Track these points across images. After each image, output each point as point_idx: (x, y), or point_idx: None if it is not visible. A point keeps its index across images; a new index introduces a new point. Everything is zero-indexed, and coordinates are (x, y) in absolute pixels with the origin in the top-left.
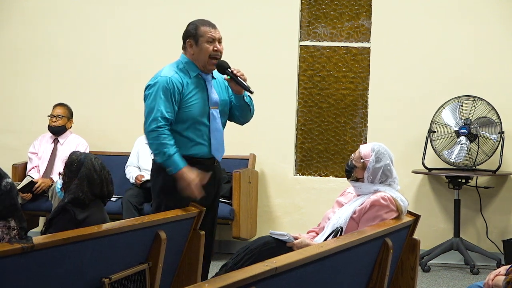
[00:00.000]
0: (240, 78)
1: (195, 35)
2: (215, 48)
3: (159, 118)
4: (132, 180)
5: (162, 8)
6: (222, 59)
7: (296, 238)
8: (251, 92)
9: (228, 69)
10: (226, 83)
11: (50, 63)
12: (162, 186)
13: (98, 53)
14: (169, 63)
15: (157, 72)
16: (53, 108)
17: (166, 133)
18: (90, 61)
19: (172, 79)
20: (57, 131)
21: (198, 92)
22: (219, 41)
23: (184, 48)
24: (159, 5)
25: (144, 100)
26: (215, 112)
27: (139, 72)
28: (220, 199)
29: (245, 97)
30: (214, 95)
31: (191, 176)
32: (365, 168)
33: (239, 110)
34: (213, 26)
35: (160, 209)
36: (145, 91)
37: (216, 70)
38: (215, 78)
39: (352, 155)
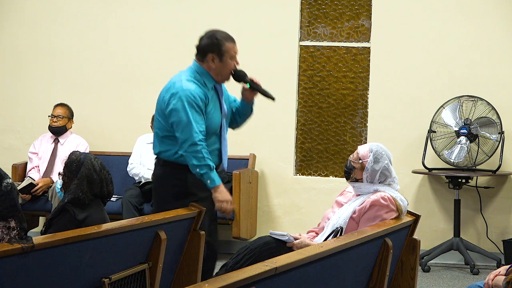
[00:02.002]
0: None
1: (220, 51)
2: (236, 63)
3: (199, 132)
4: (138, 178)
5: (162, 8)
6: None
7: (296, 238)
8: (273, 99)
9: (247, 78)
10: (227, 91)
11: (50, 63)
12: (176, 193)
13: (98, 53)
14: (183, 70)
15: (175, 79)
16: (53, 108)
17: (206, 148)
18: (90, 61)
19: (197, 92)
20: (57, 131)
21: (214, 103)
22: (236, 55)
23: (201, 59)
24: (159, 5)
25: (167, 107)
26: (224, 122)
27: (139, 72)
28: None
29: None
30: (225, 106)
31: (227, 194)
32: (363, 169)
33: (242, 116)
34: (234, 41)
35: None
36: (169, 99)
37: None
38: (220, 90)
39: (351, 156)
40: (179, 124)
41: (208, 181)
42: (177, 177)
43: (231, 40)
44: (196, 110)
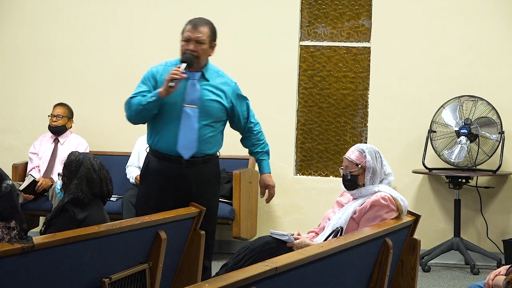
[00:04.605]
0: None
1: (181, 32)
2: (188, 48)
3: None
4: (132, 180)
5: (162, 8)
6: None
7: (296, 238)
8: (188, 59)
9: (183, 65)
10: (226, 89)
11: (50, 63)
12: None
13: (98, 53)
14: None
15: None
16: (53, 108)
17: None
18: (90, 61)
19: (154, 70)
20: (57, 131)
21: (180, 88)
22: (197, 42)
23: None
24: (159, 5)
25: None
26: (190, 111)
27: (139, 72)
28: (220, 199)
29: None
30: (193, 94)
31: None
32: (364, 172)
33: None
34: (194, 26)
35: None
36: None
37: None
38: (207, 80)
39: (343, 168)
40: None
41: (152, 98)
42: (145, 161)
43: (190, 23)
44: (143, 81)
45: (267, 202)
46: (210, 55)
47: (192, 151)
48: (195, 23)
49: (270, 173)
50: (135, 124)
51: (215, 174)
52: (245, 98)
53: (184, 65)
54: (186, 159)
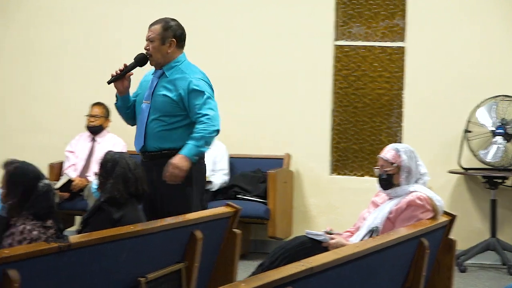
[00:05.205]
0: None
1: None
2: (145, 47)
3: None
4: None
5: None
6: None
7: (331, 238)
8: (139, 59)
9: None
10: (180, 83)
11: (86, 62)
12: None
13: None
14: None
15: None
16: (90, 108)
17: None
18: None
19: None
20: (94, 131)
21: (146, 86)
22: (149, 40)
23: None
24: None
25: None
26: (144, 106)
27: None
28: (255, 199)
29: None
30: (149, 90)
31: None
32: (400, 171)
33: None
34: (149, 26)
35: None
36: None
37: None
38: (167, 77)
39: (377, 168)
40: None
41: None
42: None
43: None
44: None
45: (165, 180)
46: (167, 52)
47: (139, 145)
48: (151, 24)
49: (186, 156)
50: (130, 125)
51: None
52: (201, 93)
53: (131, 63)
54: (138, 152)
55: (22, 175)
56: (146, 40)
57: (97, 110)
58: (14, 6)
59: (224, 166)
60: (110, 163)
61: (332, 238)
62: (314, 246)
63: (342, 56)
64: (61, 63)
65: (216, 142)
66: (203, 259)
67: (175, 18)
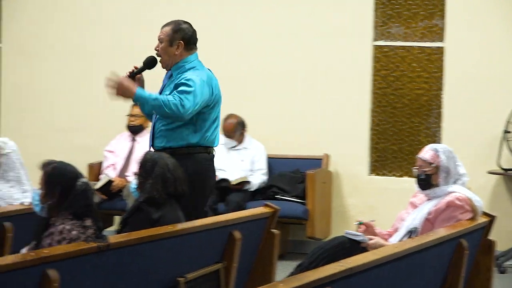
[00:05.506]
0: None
1: None
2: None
3: None
4: None
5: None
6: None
7: (370, 239)
8: (149, 61)
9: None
10: (176, 81)
11: (127, 62)
12: None
13: None
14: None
15: None
16: (131, 108)
17: None
18: None
19: None
20: (135, 130)
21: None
22: (159, 41)
23: None
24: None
25: None
26: None
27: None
28: (294, 199)
29: None
30: (159, 91)
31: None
32: (438, 171)
33: None
34: (161, 27)
35: None
36: None
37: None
38: (170, 77)
39: (416, 168)
40: None
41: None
42: None
43: None
44: None
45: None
46: (174, 53)
47: (149, 144)
48: (163, 25)
49: (138, 92)
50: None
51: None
52: (188, 86)
53: (141, 66)
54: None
55: (60, 175)
56: (158, 41)
57: (137, 110)
58: (60, 8)
59: (263, 166)
60: (150, 163)
61: (371, 239)
62: (353, 246)
63: (381, 57)
64: (102, 64)
65: (255, 142)
66: (242, 260)
67: (187, 21)
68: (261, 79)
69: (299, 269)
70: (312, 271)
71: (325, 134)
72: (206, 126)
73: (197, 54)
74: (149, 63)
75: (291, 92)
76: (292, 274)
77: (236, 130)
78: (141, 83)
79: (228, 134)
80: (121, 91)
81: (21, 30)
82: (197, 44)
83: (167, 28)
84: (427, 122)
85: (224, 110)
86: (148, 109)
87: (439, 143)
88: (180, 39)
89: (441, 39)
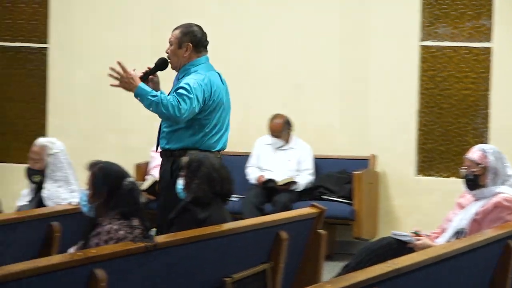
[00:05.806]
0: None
1: None
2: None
3: None
4: (253, 181)
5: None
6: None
7: (418, 239)
8: (161, 62)
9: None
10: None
11: None
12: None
13: (240, 53)
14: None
15: None
16: None
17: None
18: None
19: None
20: None
21: None
22: (169, 43)
23: None
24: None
25: None
26: None
27: (257, 73)
28: (340, 199)
29: None
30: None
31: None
32: (486, 172)
33: None
34: (173, 30)
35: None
36: None
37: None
38: (178, 78)
39: (464, 169)
40: None
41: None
42: None
43: None
44: None
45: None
46: (183, 56)
47: (156, 145)
48: (174, 28)
49: (141, 88)
50: None
51: (168, 169)
52: (186, 90)
53: (153, 67)
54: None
55: (106, 175)
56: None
57: None
58: (111, 8)
59: (309, 166)
60: (195, 163)
61: (418, 239)
62: (400, 247)
63: (428, 57)
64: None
65: (301, 142)
66: (288, 260)
67: (199, 24)
68: (309, 80)
69: (346, 270)
70: (359, 271)
71: (372, 135)
72: (205, 131)
73: (207, 57)
74: (161, 64)
75: (339, 92)
76: (339, 274)
77: (283, 129)
78: (156, 84)
79: (275, 133)
80: (123, 82)
81: (71, 31)
82: (215, 46)
83: (177, 31)
84: (474, 122)
85: (272, 111)
86: (146, 104)
87: (487, 143)
88: (189, 42)
89: (488, 39)
